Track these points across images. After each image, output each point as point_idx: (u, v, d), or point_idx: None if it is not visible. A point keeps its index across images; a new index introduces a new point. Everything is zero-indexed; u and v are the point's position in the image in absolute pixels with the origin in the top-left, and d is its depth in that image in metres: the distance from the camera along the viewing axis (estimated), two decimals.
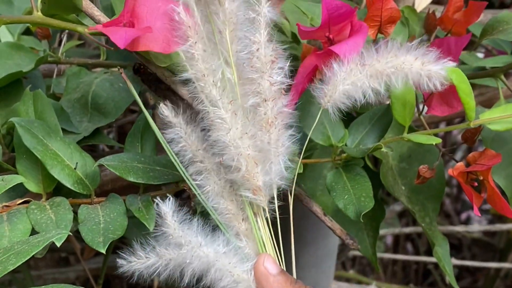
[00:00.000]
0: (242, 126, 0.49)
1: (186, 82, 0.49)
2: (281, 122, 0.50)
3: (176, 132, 0.51)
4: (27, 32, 0.77)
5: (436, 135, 0.58)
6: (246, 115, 0.49)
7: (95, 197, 0.59)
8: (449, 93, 0.58)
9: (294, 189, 0.53)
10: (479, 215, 0.56)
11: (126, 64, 0.75)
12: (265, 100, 0.49)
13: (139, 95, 0.75)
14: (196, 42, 0.48)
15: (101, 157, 0.69)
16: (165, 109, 0.51)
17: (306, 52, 0.64)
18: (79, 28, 0.54)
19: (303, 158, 0.56)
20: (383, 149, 0.57)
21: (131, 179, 0.56)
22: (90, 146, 0.79)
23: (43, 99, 0.62)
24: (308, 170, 0.67)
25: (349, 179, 0.58)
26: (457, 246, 1.45)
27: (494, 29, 0.66)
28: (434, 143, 0.54)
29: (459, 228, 1.29)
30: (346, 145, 0.61)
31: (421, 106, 0.65)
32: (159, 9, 0.51)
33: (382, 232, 1.31)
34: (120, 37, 0.49)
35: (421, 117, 0.66)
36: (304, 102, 0.59)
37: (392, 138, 0.59)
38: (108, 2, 0.79)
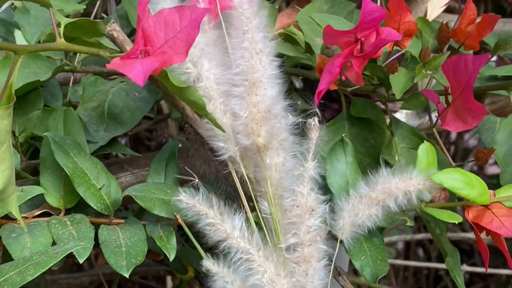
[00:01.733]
0: (275, 267, 0.54)
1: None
2: (316, 258, 0.55)
3: (222, 281, 0.54)
4: (44, 40, 0.79)
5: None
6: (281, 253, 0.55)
7: (113, 218, 0.61)
8: (464, 109, 0.59)
9: None
10: None
11: None
12: (302, 244, 0.55)
13: (155, 103, 0.77)
14: None
15: (114, 164, 0.73)
16: (209, 264, 0.54)
17: (321, 63, 0.66)
18: (101, 53, 0.56)
19: None
20: (409, 224, 0.58)
21: (156, 212, 0.58)
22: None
23: (73, 117, 0.65)
24: None
25: (365, 240, 0.59)
26: (469, 251, 1.46)
27: (508, 44, 0.67)
28: (456, 222, 0.56)
29: (471, 235, 1.30)
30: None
31: (433, 117, 0.66)
32: (168, 20, 0.50)
33: (394, 238, 1.32)
34: (138, 73, 0.47)
35: (434, 130, 0.67)
36: (332, 155, 0.63)
37: (412, 207, 0.59)
38: (124, 10, 0.81)
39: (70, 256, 0.53)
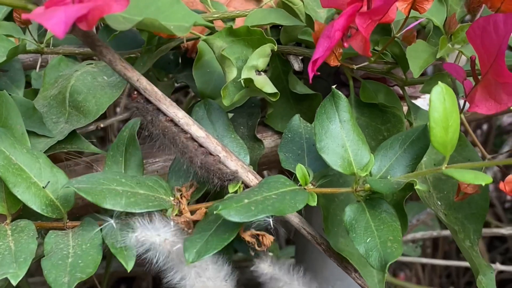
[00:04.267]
0: None
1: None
2: None
3: None
4: (9, 17, 0.70)
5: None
6: None
7: (68, 220, 0.53)
8: (496, 84, 0.47)
9: None
10: None
11: (121, 53, 0.67)
12: None
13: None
14: None
15: (80, 164, 0.63)
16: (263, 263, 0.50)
17: (319, 30, 0.54)
18: (30, 6, 0.45)
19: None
20: (418, 187, 0.46)
21: (108, 206, 0.49)
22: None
23: (8, 102, 0.55)
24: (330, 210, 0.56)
25: (373, 217, 0.49)
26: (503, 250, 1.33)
27: None
28: (483, 183, 0.43)
29: (505, 231, 1.17)
30: (371, 174, 0.52)
31: (461, 102, 0.54)
32: None
33: (419, 235, 1.20)
34: (58, 21, 0.38)
35: (462, 115, 0.55)
36: (322, 114, 0.52)
37: (428, 170, 0.48)
38: None
39: None
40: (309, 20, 0.63)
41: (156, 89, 0.51)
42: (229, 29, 0.55)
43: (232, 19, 0.60)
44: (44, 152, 0.57)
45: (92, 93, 0.62)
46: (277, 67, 0.67)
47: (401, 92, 0.65)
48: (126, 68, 0.50)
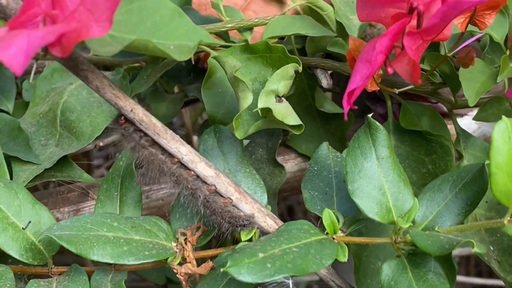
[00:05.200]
0: None
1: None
2: None
3: None
4: None
5: None
6: None
7: (53, 266, 0.48)
8: None
9: None
10: None
11: (122, 61, 0.62)
12: None
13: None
14: None
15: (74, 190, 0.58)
16: None
17: (355, 49, 0.45)
18: None
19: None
20: (477, 250, 0.37)
21: (95, 257, 0.43)
22: None
23: None
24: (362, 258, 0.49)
25: (416, 278, 0.42)
26: None
27: None
28: None
29: None
30: (414, 222, 0.44)
31: None
32: None
33: (456, 251, 1.11)
34: (17, 52, 0.30)
35: None
36: (355, 148, 0.44)
37: (485, 222, 0.40)
38: None
39: None
40: (340, 29, 0.54)
41: (154, 120, 0.43)
42: (245, 45, 0.46)
43: (250, 28, 0.51)
44: (29, 182, 0.52)
45: (87, 111, 0.56)
46: (302, 82, 0.59)
47: (445, 109, 0.56)
48: (118, 96, 0.42)
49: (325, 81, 0.56)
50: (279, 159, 0.61)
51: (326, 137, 0.60)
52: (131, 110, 0.43)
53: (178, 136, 0.44)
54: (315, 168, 0.50)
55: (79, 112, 0.55)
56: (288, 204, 0.89)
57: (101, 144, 0.63)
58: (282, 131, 0.60)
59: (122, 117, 0.43)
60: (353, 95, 0.39)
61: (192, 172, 0.45)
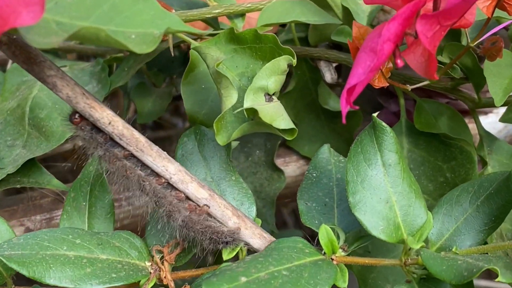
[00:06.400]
0: None
1: None
2: None
3: None
4: None
5: None
6: None
7: (13, 286, 0.43)
8: None
9: None
10: None
11: (106, 51, 0.60)
12: None
13: (105, 100, 0.53)
14: None
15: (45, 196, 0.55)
16: None
17: (360, 36, 0.39)
18: None
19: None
20: (502, 279, 0.31)
21: (52, 281, 0.39)
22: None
23: None
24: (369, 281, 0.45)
25: None
26: None
27: None
28: None
29: None
30: (427, 241, 0.39)
31: None
32: None
33: (482, 283, 1.06)
34: None
35: None
36: (357, 153, 0.39)
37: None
38: None
39: None
40: (347, 15, 0.49)
41: (137, 134, 0.38)
42: (230, 34, 0.41)
43: (241, 14, 0.45)
44: None
45: (59, 108, 0.51)
46: (304, 75, 0.55)
47: (465, 106, 0.50)
48: (92, 106, 0.38)
49: (329, 75, 0.50)
50: (279, 161, 0.57)
51: (331, 137, 0.56)
52: (109, 123, 0.38)
53: (165, 152, 0.39)
54: (314, 174, 0.45)
55: (49, 109, 0.51)
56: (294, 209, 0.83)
57: (81, 143, 0.60)
58: None
59: (77, 114, 0.38)
60: (353, 92, 0.33)
61: (182, 194, 0.40)
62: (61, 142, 0.49)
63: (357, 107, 0.34)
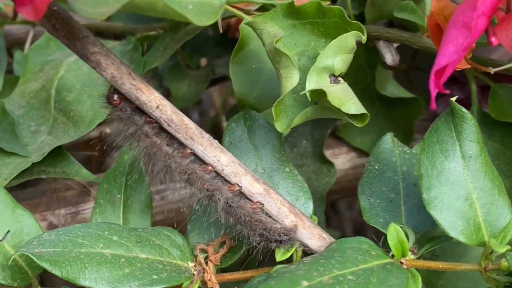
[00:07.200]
0: None
1: None
2: None
3: None
4: None
5: None
6: None
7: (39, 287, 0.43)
8: None
9: None
10: None
11: (136, 29, 0.58)
12: None
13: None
14: None
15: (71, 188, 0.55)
16: None
17: (439, 11, 0.38)
18: None
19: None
20: None
21: (87, 283, 0.38)
22: None
23: None
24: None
25: None
26: None
27: None
28: None
29: None
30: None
31: None
32: None
33: None
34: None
35: None
36: (432, 143, 0.38)
37: None
38: None
39: None
40: None
41: (187, 120, 0.38)
42: (289, 8, 0.39)
43: None
44: (13, 179, 0.47)
45: (88, 91, 0.50)
46: (359, 57, 0.53)
47: None
48: (139, 88, 0.37)
49: (390, 56, 0.48)
50: (327, 153, 0.56)
51: (387, 128, 0.55)
52: (157, 107, 0.37)
53: (216, 141, 0.38)
54: (376, 166, 0.43)
55: (78, 92, 0.50)
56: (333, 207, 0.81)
57: (108, 131, 0.59)
58: (332, 119, 0.55)
59: (116, 95, 0.37)
60: (443, 74, 0.31)
61: (210, 167, 0.39)
62: (91, 128, 0.49)
63: (447, 91, 0.32)
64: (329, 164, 0.54)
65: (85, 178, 0.49)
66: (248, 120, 0.43)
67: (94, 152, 0.59)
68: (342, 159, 0.57)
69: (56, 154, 0.48)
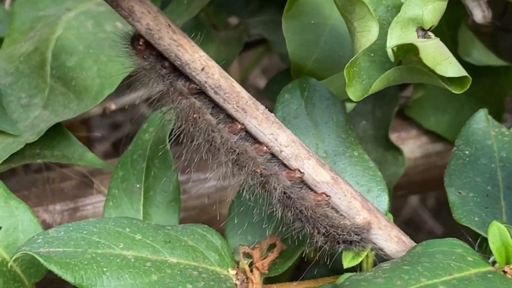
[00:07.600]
0: None
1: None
2: None
3: None
4: None
5: None
6: None
7: None
8: None
9: None
10: None
11: None
12: None
13: None
14: None
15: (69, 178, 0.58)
16: None
17: None
18: None
19: None
20: None
21: None
22: None
23: None
24: None
25: None
26: None
27: None
28: None
29: None
30: None
31: None
32: None
33: None
34: None
35: None
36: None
37: None
38: None
39: None
40: None
41: (238, 87, 0.39)
42: None
43: None
44: (1, 164, 0.50)
45: (94, 54, 0.53)
46: None
47: None
48: (181, 44, 0.38)
49: (479, 12, 0.49)
50: (393, 137, 0.57)
51: (469, 105, 0.56)
52: (202, 69, 0.38)
53: (273, 114, 0.39)
54: (467, 152, 0.45)
55: (81, 55, 0.53)
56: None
57: (113, 107, 0.63)
58: (399, 95, 0.56)
59: (141, 40, 0.38)
60: None
61: (265, 148, 0.40)
62: (99, 101, 0.52)
63: None
64: (396, 150, 0.55)
65: (91, 164, 0.50)
66: (306, 90, 0.44)
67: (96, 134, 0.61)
68: (410, 145, 0.58)
69: (54, 133, 0.51)
